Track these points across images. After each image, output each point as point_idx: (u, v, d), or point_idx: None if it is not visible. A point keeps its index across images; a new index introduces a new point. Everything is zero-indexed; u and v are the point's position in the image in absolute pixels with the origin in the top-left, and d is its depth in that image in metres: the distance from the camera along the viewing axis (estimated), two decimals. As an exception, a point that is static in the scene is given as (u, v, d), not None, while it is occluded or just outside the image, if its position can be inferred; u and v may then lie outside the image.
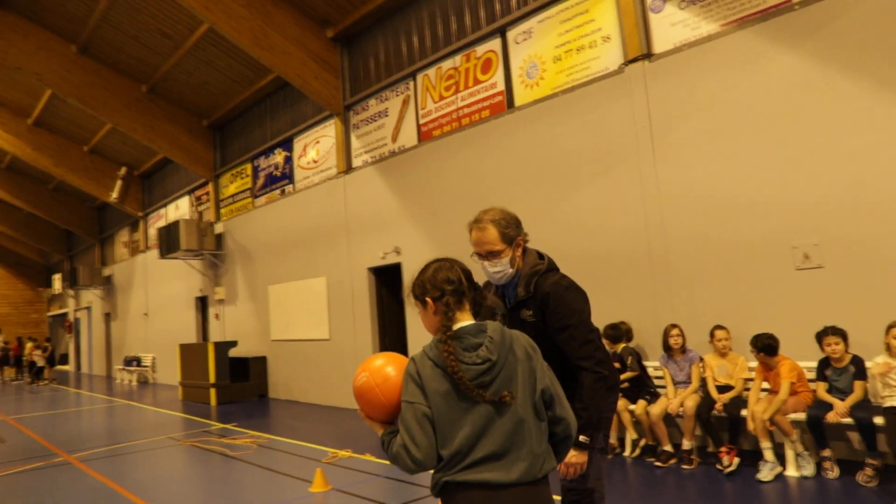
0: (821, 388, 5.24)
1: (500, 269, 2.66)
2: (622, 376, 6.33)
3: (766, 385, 5.56)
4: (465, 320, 2.12)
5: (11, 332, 28.69)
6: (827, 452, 5.11)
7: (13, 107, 17.75)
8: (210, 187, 15.87)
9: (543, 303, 2.63)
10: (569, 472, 2.56)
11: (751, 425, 5.28)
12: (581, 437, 2.53)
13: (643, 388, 6.31)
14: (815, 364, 5.37)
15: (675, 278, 6.63)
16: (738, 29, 6.23)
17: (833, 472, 5.04)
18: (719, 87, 6.30)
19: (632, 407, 6.14)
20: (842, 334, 5.13)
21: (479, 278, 2.42)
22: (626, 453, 6.27)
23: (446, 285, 2.13)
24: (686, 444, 5.76)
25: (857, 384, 5.05)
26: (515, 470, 1.99)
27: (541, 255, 2.80)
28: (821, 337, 5.19)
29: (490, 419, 2.00)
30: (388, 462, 6.94)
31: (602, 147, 7.25)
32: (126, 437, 9.29)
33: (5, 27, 12.82)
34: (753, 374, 5.78)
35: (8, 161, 21.64)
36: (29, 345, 22.59)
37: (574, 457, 2.56)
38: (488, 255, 2.68)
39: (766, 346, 5.41)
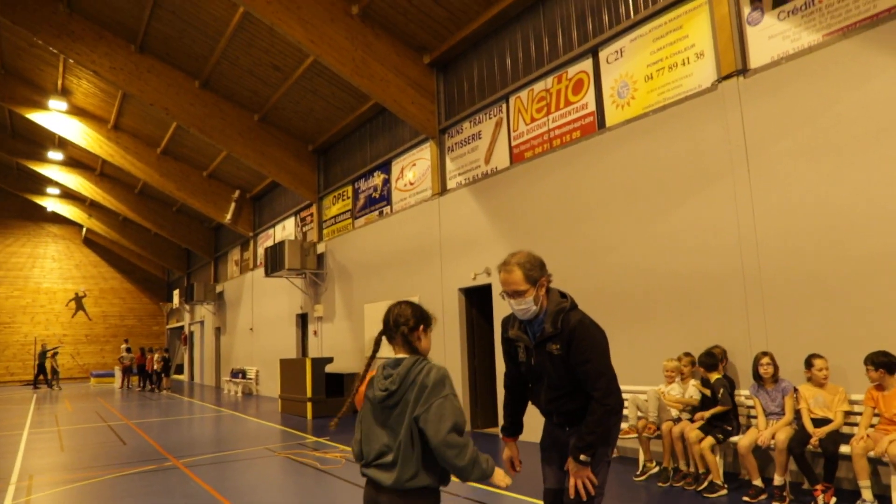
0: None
1: (525, 306, 2.99)
2: (710, 411, 6.04)
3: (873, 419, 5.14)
4: (396, 353, 2.78)
5: (135, 343, 31.17)
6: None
7: (145, 138, 19.58)
8: (314, 209, 16.69)
9: (570, 338, 2.97)
10: (577, 482, 2.88)
11: (861, 458, 4.89)
12: (582, 456, 2.87)
13: (721, 424, 5.96)
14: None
15: (769, 301, 6.29)
16: (842, 38, 5.91)
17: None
18: (821, 101, 5.98)
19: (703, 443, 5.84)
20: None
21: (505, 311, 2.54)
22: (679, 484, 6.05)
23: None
24: (777, 479, 5.41)
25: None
26: (389, 477, 2.56)
27: (563, 294, 3.14)
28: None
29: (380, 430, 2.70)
30: (476, 484, 6.97)
31: (695, 166, 7.05)
32: (229, 446, 9.86)
33: (144, 70, 14.29)
34: (854, 407, 5.39)
35: (140, 187, 23.83)
36: (156, 355, 24.44)
37: (575, 469, 2.91)
38: (514, 294, 3.00)
39: (885, 364, 5.01)
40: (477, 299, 10.72)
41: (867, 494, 4.84)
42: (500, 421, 3.22)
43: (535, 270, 2.99)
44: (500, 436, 3.19)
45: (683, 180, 7.17)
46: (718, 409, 6.00)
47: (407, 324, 2.77)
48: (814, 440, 5.21)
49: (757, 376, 5.81)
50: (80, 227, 31.27)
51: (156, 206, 25.25)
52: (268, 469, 7.85)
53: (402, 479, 2.54)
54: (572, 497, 2.87)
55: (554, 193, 8.93)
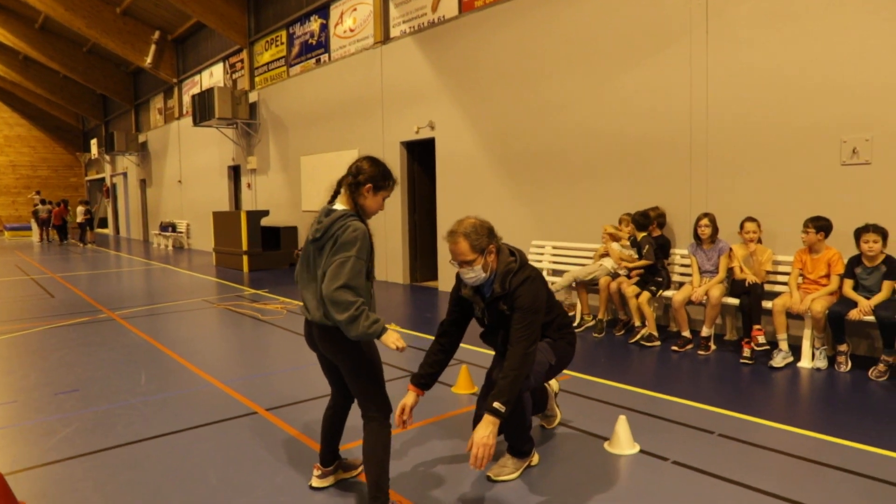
0: (847, 286, 5.18)
1: (474, 275, 3.00)
2: (636, 263, 6.37)
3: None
4: (337, 204, 2.83)
5: (52, 196, 29.59)
6: (843, 347, 5.14)
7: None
8: (244, 55, 15.57)
9: (514, 297, 3.01)
10: (477, 452, 2.67)
11: (781, 314, 5.31)
12: (495, 404, 2.76)
13: (652, 278, 6.31)
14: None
15: (713, 166, 6.46)
16: None
17: (845, 367, 5.09)
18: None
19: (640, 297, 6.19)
20: (882, 233, 5.00)
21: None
22: (620, 334, 6.52)
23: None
24: (705, 331, 5.84)
25: (886, 284, 4.98)
26: (316, 314, 2.72)
27: (512, 252, 3.14)
28: (860, 233, 5.07)
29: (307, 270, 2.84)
30: (409, 329, 7.21)
31: (653, 26, 6.86)
32: (164, 299, 9.75)
33: None
34: (778, 268, 5.80)
35: (41, 21, 21.35)
36: (80, 208, 23.29)
37: (485, 424, 2.73)
38: (462, 264, 3.01)
39: (824, 227, 5.31)
40: (419, 153, 10.54)
41: (784, 345, 5.31)
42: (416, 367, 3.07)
43: (483, 239, 2.97)
44: (409, 384, 3.13)
45: (641, 40, 6.99)
46: (641, 262, 6.33)
47: (356, 177, 2.79)
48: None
49: (696, 236, 6.07)
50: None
51: (63, 46, 22.90)
52: (207, 319, 7.86)
53: (322, 318, 2.70)
54: (471, 465, 2.73)
55: (505, 48, 8.58)
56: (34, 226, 25.68)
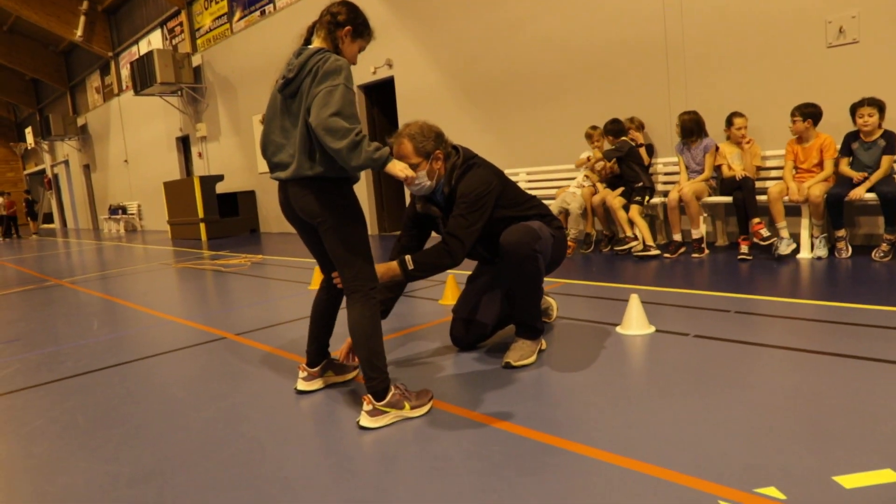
0: (843, 163, 4.95)
1: (419, 182, 2.72)
2: (607, 167, 6.10)
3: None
4: (314, 43, 2.47)
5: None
6: (841, 233, 4.93)
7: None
8: (183, 16, 14.67)
9: (458, 189, 2.79)
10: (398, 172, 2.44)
11: (778, 201, 5.05)
12: (408, 258, 2.67)
13: (634, 187, 5.98)
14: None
15: (691, 66, 6.15)
16: None
17: (846, 252, 4.89)
18: None
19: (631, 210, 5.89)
20: (879, 106, 4.76)
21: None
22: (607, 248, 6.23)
23: None
24: (696, 233, 5.57)
25: (885, 159, 4.75)
26: (287, 172, 2.36)
27: (456, 149, 2.87)
28: (855, 108, 4.82)
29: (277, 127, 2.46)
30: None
31: (620, -79, 6.47)
32: (118, 266, 9.09)
33: None
34: (766, 163, 5.56)
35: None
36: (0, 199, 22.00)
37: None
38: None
39: (812, 114, 5.05)
40: (378, 96, 10.01)
41: (784, 233, 5.07)
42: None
43: (429, 142, 2.72)
44: None
45: (605, -63, 6.60)
46: (605, 165, 6.07)
47: (335, 17, 2.43)
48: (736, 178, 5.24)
49: (682, 133, 5.76)
50: None
51: (-17, 26, 21.43)
52: (165, 276, 7.28)
53: (300, 169, 2.31)
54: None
55: (460, -30, 8.09)
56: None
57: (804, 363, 2.54)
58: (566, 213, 6.35)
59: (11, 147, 30.69)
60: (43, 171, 29.13)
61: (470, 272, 3.35)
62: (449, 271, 3.78)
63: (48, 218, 30.16)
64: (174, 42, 15.39)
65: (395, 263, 2.65)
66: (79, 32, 18.07)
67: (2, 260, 12.09)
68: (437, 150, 2.74)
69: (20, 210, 25.27)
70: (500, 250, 2.76)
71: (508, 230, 2.74)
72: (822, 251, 4.98)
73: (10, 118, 30.58)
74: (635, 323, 3.21)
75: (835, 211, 4.87)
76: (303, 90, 2.31)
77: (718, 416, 2.08)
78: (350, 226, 2.33)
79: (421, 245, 2.99)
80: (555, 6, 7.16)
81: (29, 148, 27.56)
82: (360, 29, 2.48)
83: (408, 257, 2.66)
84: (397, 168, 2.29)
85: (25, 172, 31.29)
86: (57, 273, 8.68)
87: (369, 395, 2.26)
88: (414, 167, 2.68)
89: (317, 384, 2.71)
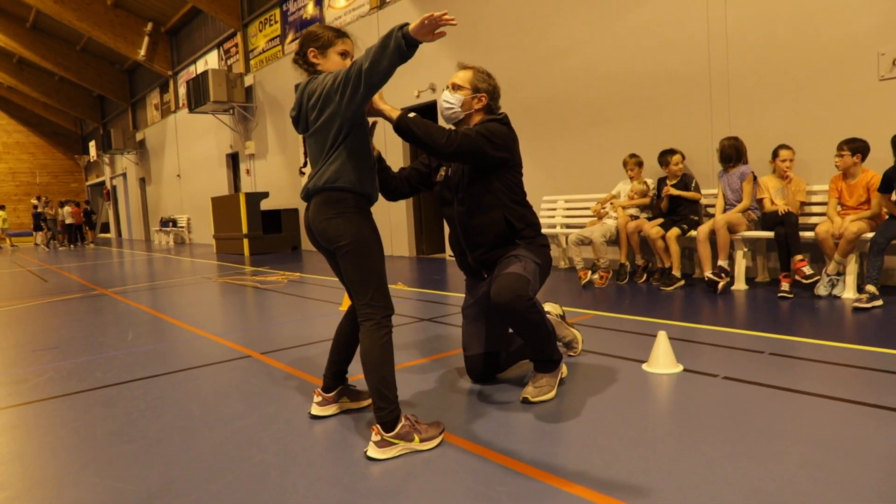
0: (888, 200, 4.69)
1: (452, 101, 2.87)
2: (690, 195, 5.91)
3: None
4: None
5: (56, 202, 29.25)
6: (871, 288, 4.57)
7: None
8: (238, 38, 15.18)
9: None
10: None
11: (827, 238, 4.87)
12: (412, 115, 2.58)
13: (687, 216, 5.86)
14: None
15: (735, 98, 6.01)
16: None
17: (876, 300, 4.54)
18: None
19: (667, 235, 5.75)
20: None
21: None
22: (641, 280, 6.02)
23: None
24: (720, 262, 5.39)
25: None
26: (313, 184, 2.37)
27: (491, 111, 2.96)
28: (899, 143, 4.62)
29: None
30: (416, 288, 6.80)
31: (666, -50, 6.42)
32: (162, 278, 9.35)
33: None
34: (811, 198, 5.38)
35: (33, 18, 21.02)
36: (67, 209, 22.94)
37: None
38: (453, 86, 2.92)
39: (861, 149, 4.87)
40: (421, 122, 10.10)
41: (835, 268, 4.87)
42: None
43: (484, 83, 2.89)
44: None
45: (651, -34, 6.55)
46: (691, 194, 5.87)
47: (299, 50, 2.49)
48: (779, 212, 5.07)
49: (721, 159, 5.63)
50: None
51: (57, 45, 22.57)
52: (204, 290, 7.44)
53: (322, 180, 2.34)
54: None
55: (507, 1, 8.15)
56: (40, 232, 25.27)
57: (839, 413, 2.40)
58: (589, 241, 6.20)
59: (76, 159, 32.11)
60: (102, 183, 30.36)
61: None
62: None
63: (105, 227, 31.35)
64: (229, 62, 15.92)
65: (398, 110, 2.58)
66: (142, 52, 18.90)
67: (59, 267, 12.58)
68: (483, 95, 2.87)
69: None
70: (491, 302, 2.62)
71: (497, 283, 2.59)
72: (843, 291, 4.78)
73: (76, 132, 32.07)
74: (662, 361, 3.10)
75: (875, 251, 4.55)
76: (310, 120, 2.39)
77: (742, 465, 1.98)
78: (364, 253, 2.32)
79: (412, 181, 3.03)
80: (598, 35, 7.12)
81: (91, 160, 28.82)
82: (322, 41, 2.45)
83: (413, 113, 2.60)
84: (419, 26, 2.06)
85: (87, 183, 32.66)
86: (104, 282, 8.97)
87: (378, 426, 2.23)
88: (458, 88, 2.86)
89: (331, 409, 2.70)
